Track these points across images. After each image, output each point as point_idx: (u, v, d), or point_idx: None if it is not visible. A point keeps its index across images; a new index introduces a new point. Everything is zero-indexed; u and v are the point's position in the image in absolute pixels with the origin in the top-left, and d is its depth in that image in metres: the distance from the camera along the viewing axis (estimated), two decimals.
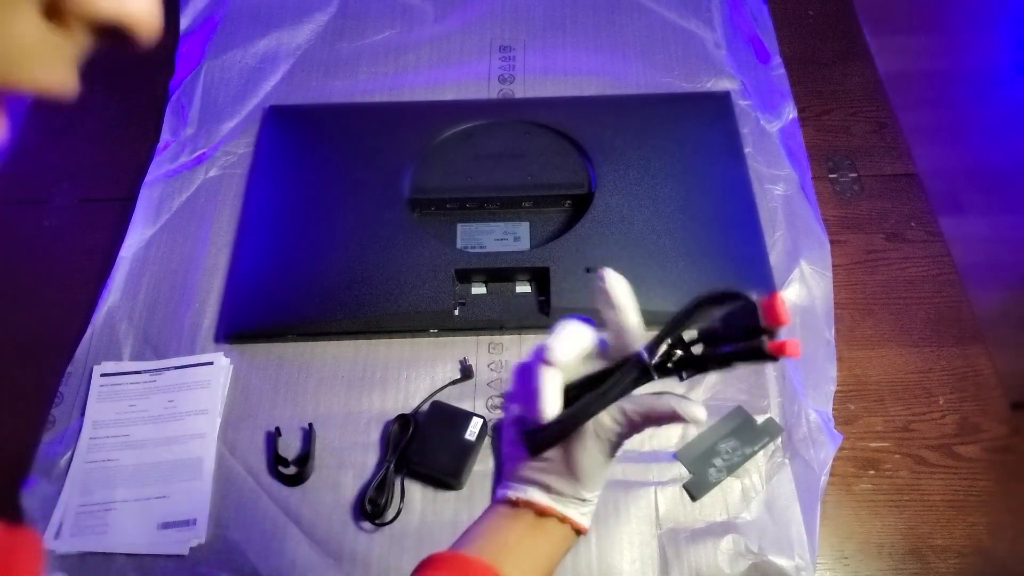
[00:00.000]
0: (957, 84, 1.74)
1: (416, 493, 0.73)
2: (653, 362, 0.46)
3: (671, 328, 0.46)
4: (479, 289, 0.84)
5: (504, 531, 0.49)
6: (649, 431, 0.74)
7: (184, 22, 1.10)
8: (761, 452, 0.74)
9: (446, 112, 0.96)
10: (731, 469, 0.73)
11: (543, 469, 0.49)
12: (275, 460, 0.74)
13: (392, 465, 0.73)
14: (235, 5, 1.11)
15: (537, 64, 1.05)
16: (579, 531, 0.50)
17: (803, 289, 0.84)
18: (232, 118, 1.00)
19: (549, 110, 0.95)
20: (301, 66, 1.05)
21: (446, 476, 0.73)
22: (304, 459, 0.74)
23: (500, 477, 0.51)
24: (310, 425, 0.76)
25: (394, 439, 0.75)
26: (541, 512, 0.49)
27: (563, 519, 0.49)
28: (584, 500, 0.49)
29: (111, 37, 0.27)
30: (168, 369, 0.80)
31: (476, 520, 0.51)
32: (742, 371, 0.79)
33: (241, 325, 0.83)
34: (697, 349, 0.46)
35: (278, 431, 0.75)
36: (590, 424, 0.47)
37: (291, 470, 0.74)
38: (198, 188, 0.94)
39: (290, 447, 0.75)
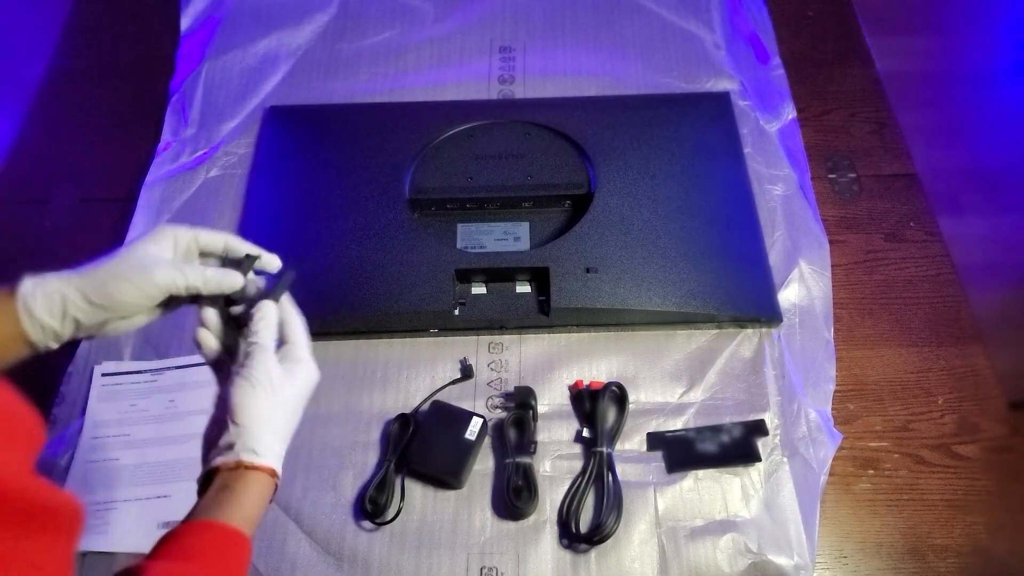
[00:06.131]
0: (956, 84, 1.74)
1: (416, 492, 0.73)
2: None
3: None
4: (479, 289, 0.84)
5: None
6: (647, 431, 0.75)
7: (185, 22, 1.10)
8: (761, 451, 0.74)
9: (446, 112, 0.96)
10: None
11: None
12: None
13: (392, 464, 0.73)
14: (235, 5, 1.12)
15: (537, 65, 1.05)
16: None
17: (802, 289, 0.85)
18: (232, 118, 1.00)
19: (549, 110, 0.96)
20: (301, 67, 1.05)
21: (446, 475, 0.73)
22: None
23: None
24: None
25: (394, 439, 0.75)
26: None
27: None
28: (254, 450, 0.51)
29: None
30: (169, 369, 0.80)
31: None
32: (741, 371, 0.79)
33: None
34: None
35: None
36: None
37: None
38: (199, 188, 0.94)
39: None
